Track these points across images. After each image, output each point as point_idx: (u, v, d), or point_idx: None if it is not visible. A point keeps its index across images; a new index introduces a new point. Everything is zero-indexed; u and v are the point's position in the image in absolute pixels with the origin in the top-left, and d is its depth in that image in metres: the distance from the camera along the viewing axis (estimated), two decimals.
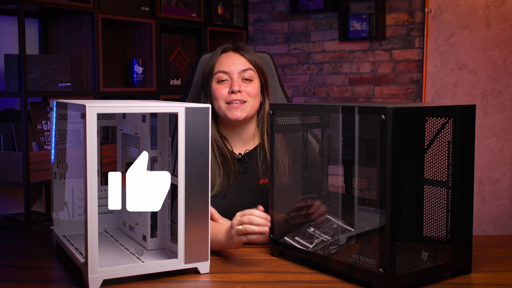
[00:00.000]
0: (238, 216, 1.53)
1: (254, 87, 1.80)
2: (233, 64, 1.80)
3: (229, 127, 1.85)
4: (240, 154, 1.85)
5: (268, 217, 1.52)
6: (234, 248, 1.58)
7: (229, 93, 1.78)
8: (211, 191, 1.77)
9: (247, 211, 1.52)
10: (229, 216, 1.77)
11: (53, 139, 1.64)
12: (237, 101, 1.78)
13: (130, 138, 1.66)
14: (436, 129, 1.40)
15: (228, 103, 1.79)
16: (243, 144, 1.87)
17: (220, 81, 1.80)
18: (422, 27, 3.76)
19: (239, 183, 1.82)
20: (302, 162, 1.57)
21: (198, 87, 2.00)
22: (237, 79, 1.79)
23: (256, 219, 1.49)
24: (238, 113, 1.78)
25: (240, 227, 1.49)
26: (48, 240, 1.72)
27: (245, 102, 1.79)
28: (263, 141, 1.84)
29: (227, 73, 1.79)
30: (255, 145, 1.87)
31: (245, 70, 1.80)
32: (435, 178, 1.41)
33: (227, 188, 1.80)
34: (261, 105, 1.87)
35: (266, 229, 1.49)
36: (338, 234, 1.44)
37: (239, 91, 1.77)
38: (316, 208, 1.53)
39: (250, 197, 1.82)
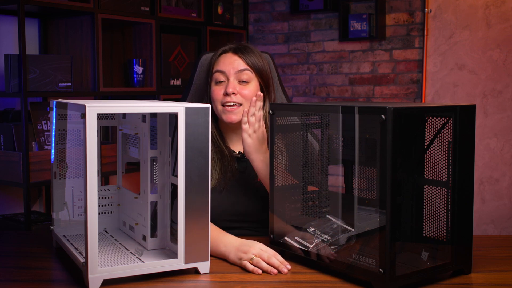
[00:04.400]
0: (259, 248, 1.48)
1: (250, 89, 1.80)
2: (230, 65, 1.80)
3: (228, 127, 1.86)
4: (240, 153, 1.86)
5: (287, 265, 1.46)
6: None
7: (223, 95, 1.78)
8: None
9: (271, 250, 1.48)
10: (227, 213, 1.77)
11: (53, 139, 1.64)
12: (231, 103, 1.78)
13: (130, 138, 1.67)
14: (436, 129, 1.40)
15: (223, 105, 1.79)
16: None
17: (218, 82, 1.81)
18: (422, 27, 3.76)
19: (238, 181, 1.83)
20: (302, 162, 1.57)
21: (198, 87, 2.01)
22: (233, 81, 1.79)
23: (274, 262, 1.45)
24: (233, 116, 1.79)
25: (254, 258, 1.46)
26: (48, 240, 1.72)
27: (241, 105, 1.78)
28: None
29: (224, 74, 1.80)
30: None
31: (241, 71, 1.79)
32: (435, 178, 1.41)
33: (224, 184, 1.80)
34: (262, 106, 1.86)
35: (275, 271, 1.44)
36: (338, 234, 1.44)
37: (234, 93, 1.77)
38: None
39: (248, 195, 1.82)
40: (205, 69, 2.00)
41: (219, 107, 1.80)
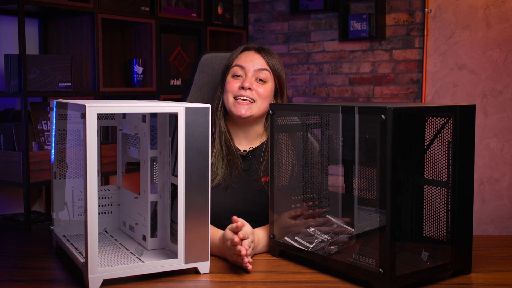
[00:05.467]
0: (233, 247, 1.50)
1: (266, 88, 1.81)
2: (251, 62, 1.82)
3: (235, 123, 1.86)
4: (245, 151, 1.86)
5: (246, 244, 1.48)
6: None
7: (239, 88, 1.79)
8: (213, 181, 1.77)
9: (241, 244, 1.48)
10: (230, 210, 1.77)
11: (53, 139, 1.64)
12: (244, 98, 1.78)
13: (130, 138, 1.67)
14: (436, 129, 1.40)
15: (235, 98, 1.79)
16: (249, 142, 1.87)
17: (235, 76, 1.82)
18: (422, 27, 3.76)
19: (242, 179, 1.83)
20: (302, 162, 1.57)
21: (199, 87, 2.01)
22: (251, 77, 1.80)
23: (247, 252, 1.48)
24: (243, 110, 1.78)
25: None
26: (48, 240, 1.72)
27: (254, 102, 1.79)
28: (268, 140, 1.85)
29: (243, 69, 1.81)
30: (260, 143, 1.87)
31: (261, 70, 1.81)
32: (435, 178, 1.41)
33: (229, 180, 1.80)
34: None
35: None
36: (338, 234, 1.44)
37: (249, 88, 1.78)
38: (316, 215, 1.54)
39: (252, 194, 1.82)
40: (205, 69, 2.01)
41: (231, 99, 1.81)
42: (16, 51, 3.19)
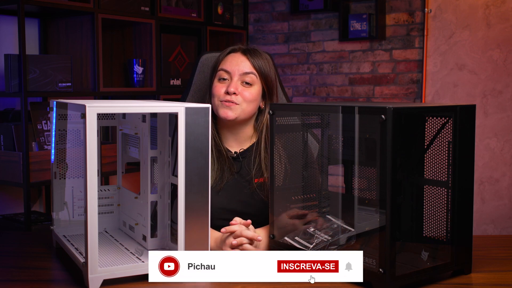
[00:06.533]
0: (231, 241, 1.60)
1: (251, 92, 1.80)
2: (237, 65, 1.80)
3: (224, 126, 1.86)
4: (235, 152, 1.86)
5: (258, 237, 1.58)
6: None
7: (224, 93, 1.79)
8: None
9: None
10: (225, 213, 1.78)
11: (53, 139, 1.64)
12: (229, 102, 1.78)
13: (130, 138, 1.67)
14: (436, 129, 1.40)
15: (221, 101, 1.79)
16: (239, 144, 1.87)
17: (221, 79, 1.81)
18: (422, 27, 3.76)
19: (234, 181, 1.83)
20: (301, 162, 1.57)
21: (198, 87, 2.01)
22: (237, 81, 1.79)
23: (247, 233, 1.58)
24: (229, 112, 1.78)
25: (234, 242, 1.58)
26: (48, 240, 1.72)
27: (239, 104, 1.79)
28: (258, 141, 1.85)
29: (229, 73, 1.80)
30: (250, 145, 1.87)
31: (246, 74, 1.80)
32: (435, 178, 1.41)
33: (221, 184, 1.80)
34: (262, 111, 1.86)
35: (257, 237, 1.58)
36: (338, 234, 1.44)
37: (234, 93, 1.77)
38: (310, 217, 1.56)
39: (244, 195, 1.82)
40: (205, 69, 2.01)
41: (217, 103, 1.80)
42: (16, 51, 3.19)
